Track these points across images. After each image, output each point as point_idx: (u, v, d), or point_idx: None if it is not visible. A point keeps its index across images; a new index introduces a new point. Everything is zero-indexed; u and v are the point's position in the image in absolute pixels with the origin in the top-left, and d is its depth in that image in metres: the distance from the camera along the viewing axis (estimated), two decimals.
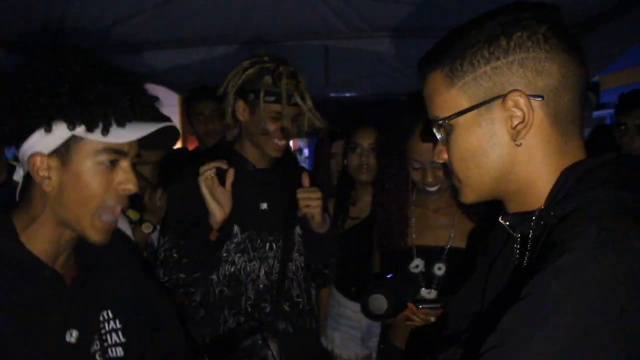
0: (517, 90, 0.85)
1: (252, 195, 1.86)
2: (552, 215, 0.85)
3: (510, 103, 0.85)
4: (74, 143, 1.03)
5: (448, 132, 0.92)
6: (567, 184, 0.85)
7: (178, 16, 2.95)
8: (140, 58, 3.21)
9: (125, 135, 1.04)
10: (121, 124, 1.03)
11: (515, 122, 0.86)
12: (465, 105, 0.89)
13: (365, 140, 2.44)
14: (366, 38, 3.27)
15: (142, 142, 1.09)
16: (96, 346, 1.12)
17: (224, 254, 1.82)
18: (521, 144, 0.87)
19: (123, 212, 2.32)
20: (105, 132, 1.02)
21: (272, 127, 1.80)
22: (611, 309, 0.69)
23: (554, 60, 0.85)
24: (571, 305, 0.71)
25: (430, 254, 1.89)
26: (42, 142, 1.02)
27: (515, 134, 0.86)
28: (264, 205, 1.86)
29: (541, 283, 0.74)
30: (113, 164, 1.05)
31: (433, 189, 1.84)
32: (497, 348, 0.76)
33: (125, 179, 1.07)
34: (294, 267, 1.88)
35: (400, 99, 4.85)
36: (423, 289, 1.77)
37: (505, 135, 0.87)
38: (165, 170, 2.58)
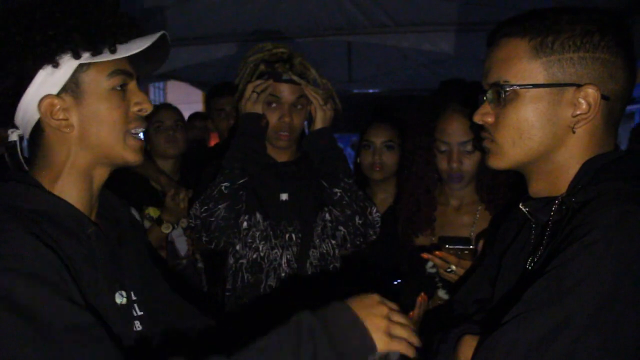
0: (594, 85, 0.91)
1: (272, 186, 1.89)
2: (573, 201, 0.93)
3: (582, 94, 0.92)
4: (82, 74, 0.96)
5: (509, 98, 0.95)
6: (588, 174, 0.94)
7: (200, 13, 2.96)
8: None
9: (133, 48, 0.98)
10: (123, 40, 0.98)
11: (578, 112, 0.92)
12: (541, 80, 0.93)
13: (378, 138, 2.35)
14: (390, 33, 3.23)
15: (139, 60, 1.04)
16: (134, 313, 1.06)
17: (249, 240, 1.85)
18: (575, 131, 0.93)
19: (143, 209, 2.33)
20: (114, 49, 0.96)
21: (271, 118, 1.81)
22: (632, 278, 0.79)
23: (624, 71, 0.94)
24: (597, 275, 0.80)
25: None
26: (48, 83, 0.95)
27: (574, 122, 0.93)
28: (284, 196, 1.89)
29: (569, 257, 0.83)
30: (123, 88, 1.01)
31: (457, 180, 1.76)
32: (522, 315, 0.84)
33: (140, 100, 1.02)
34: (318, 254, 1.88)
35: (424, 95, 4.78)
36: (440, 289, 1.71)
37: (564, 119, 0.93)
38: (186, 166, 2.58)
